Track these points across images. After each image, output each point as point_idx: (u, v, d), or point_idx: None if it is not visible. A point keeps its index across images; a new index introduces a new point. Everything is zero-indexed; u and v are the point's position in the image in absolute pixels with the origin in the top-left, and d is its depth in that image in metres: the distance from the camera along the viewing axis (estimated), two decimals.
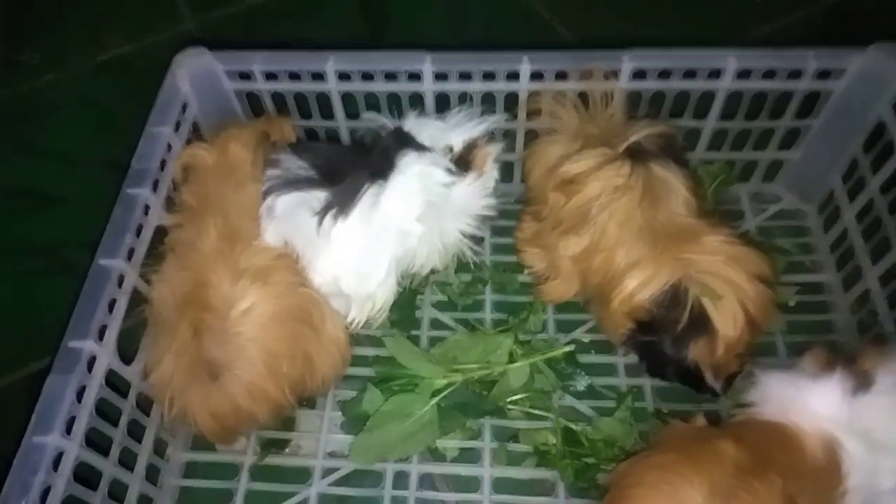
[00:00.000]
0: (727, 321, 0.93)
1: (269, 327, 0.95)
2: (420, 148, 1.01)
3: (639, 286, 0.95)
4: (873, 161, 1.08)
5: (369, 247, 1.00)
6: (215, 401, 0.94)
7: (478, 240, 1.11)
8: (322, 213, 0.98)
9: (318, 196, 1.00)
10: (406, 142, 1.02)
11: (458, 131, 1.05)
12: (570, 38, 1.57)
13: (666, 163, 1.00)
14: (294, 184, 1.01)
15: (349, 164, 1.03)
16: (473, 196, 1.06)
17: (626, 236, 0.97)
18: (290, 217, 1.00)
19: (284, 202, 1.00)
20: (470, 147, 1.05)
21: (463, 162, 1.04)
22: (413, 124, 1.04)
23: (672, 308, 0.94)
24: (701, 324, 0.94)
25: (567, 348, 1.10)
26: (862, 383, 0.80)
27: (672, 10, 1.59)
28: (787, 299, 1.14)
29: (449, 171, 1.01)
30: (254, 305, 0.94)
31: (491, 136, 1.08)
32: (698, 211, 1.00)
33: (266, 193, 1.01)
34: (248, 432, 1.06)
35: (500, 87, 1.12)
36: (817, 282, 1.18)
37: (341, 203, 0.99)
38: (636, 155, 0.99)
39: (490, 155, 1.07)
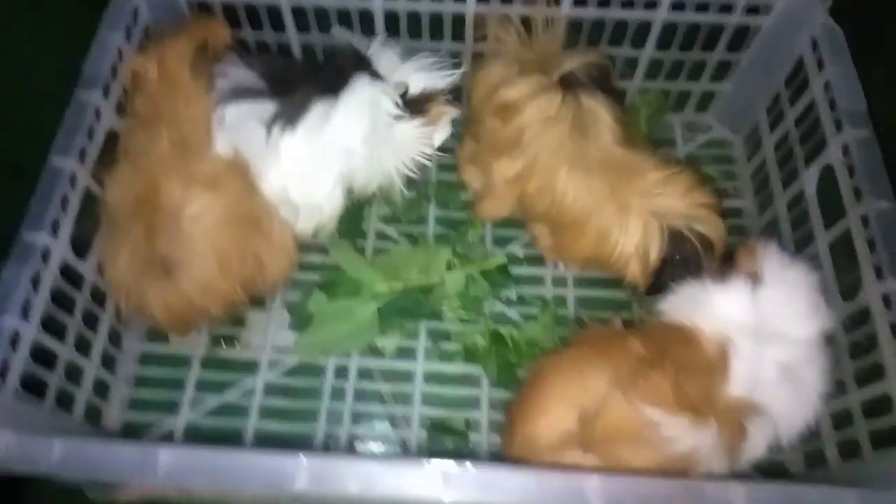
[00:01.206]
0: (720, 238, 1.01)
1: (219, 229, 1.01)
2: (375, 74, 1.05)
3: (638, 247, 0.99)
4: (792, 94, 1.15)
5: (316, 160, 1.05)
6: (170, 295, 1.00)
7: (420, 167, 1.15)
8: (270, 125, 1.03)
9: (268, 107, 1.04)
10: (362, 65, 1.05)
11: (421, 75, 1.07)
12: None
13: (594, 93, 1.04)
14: (243, 94, 1.05)
15: (299, 77, 1.07)
16: (414, 140, 1.09)
17: (558, 166, 1.02)
18: (240, 127, 1.04)
19: (234, 112, 1.04)
20: (427, 96, 1.07)
21: (415, 106, 1.06)
22: (375, 50, 1.07)
23: (679, 247, 0.99)
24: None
25: (500, 260, 1.19)
26: (753, 280, 0.90)
27: None
28: None
29: (396, 105, 1.04)
30: (205, 209, 1.00)
31: (453, 97, 1.10)
32: (625, 142, 1.04)
33: (216, 104, 1.05)
34: (201, 326, 1.13)
35: (448, 7, 1.15)
36: (737, 207, 1.28)
37: (290, 115, 1.03)
38: (568, 85, 1.04)
39: (446, 115, 1.10)
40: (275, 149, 1.04)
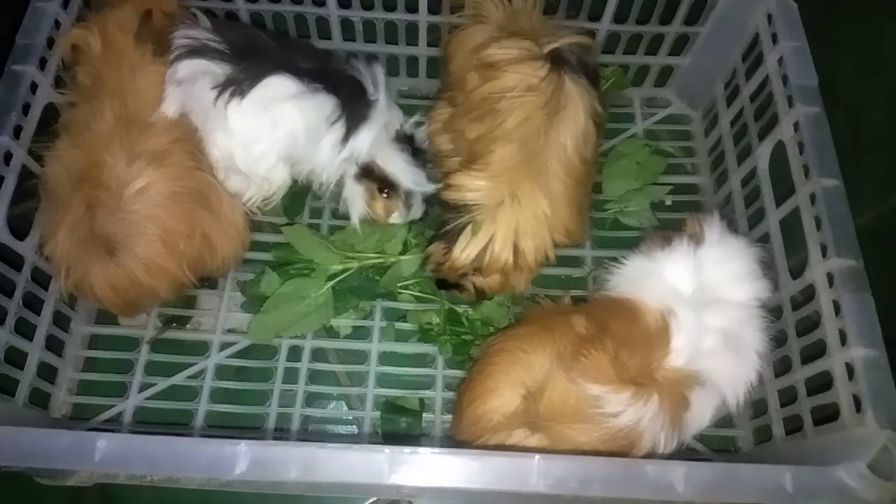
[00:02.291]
0: None
1: (164, 206, 0.98)
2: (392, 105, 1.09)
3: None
4: (748, 69, 1.14)
5: (258, 132, 1.02)
6: (113, 275, 0.98)
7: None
8: (222, 88, 1.00)
9: (224, 69, 1.01)
10: (353, 88, 1.06)
11: (404, 168, 1.09)
12: None
13: (578, 78, 1.01)
14: (201, 52, 1.02)
15: (262, 48, 1.04)
16: (349, 192, 1.11)
17: (518, 136, 1.01)
18: (191, 84, 1.01)
19: (187, 68, 1.01)
20: (391, 183, 1.09)
21: (372, 177, 1.09)
22: (378, 88, 1.08)
23: None
24: None
25: None
26: (696, 241, 0.91)
27: None
28: (662, 198, 1.24)
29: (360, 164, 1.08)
30: (149, 185, 0.97)
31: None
32: (583, 150, 1.01)
33: (171, 60, 1.01)
34: (149, 307, 1.11)
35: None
36: (693, 183, 1.28)
37: (241, 83, 1.01)
38: (556, 60, 1.00)
39: (391, 213, 1.13)
40: (222, 113, 1.01)
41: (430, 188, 1.10)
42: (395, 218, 1.13)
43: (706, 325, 0.87)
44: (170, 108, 1.01)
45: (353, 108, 1.05)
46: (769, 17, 1.07)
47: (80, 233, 0.96)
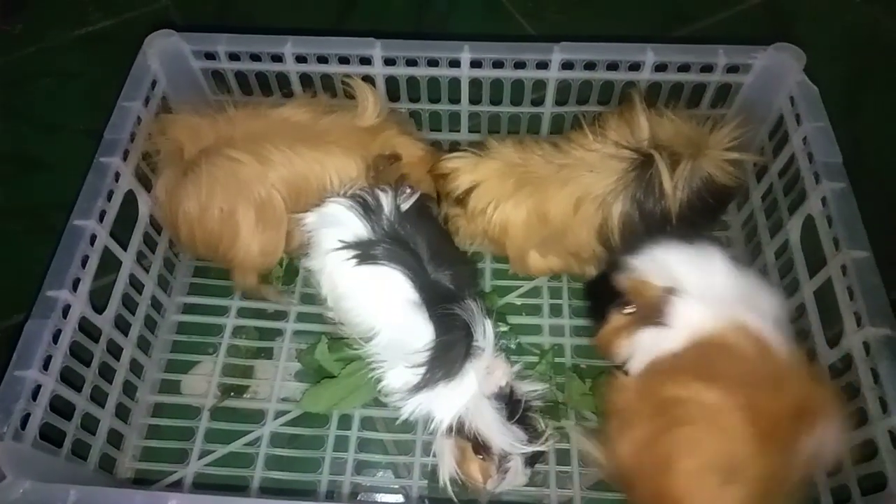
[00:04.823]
0: None
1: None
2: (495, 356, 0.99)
3: None
4: (775, 147, 1.20)
5: (353, 292, 1.03)
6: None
7: None
8: (348, 246, 1.01)
9: (358, 230, 1.01)
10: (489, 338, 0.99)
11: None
12: (533, 32, 1.68)
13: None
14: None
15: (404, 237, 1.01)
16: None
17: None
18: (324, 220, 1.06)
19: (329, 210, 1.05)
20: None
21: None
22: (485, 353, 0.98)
23: None
24: None
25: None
26: None
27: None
28: None
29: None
30: None
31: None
32: None
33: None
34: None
35: (444, 72, 1.23)
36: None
37: (369, 250, 1.00)
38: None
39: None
40: (335, 259, 1.02)
41: (532, 449, 0.96)
42: (490, 484, 0.98)
43: None
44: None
45: (447, 355, 0.95)
46: (791, 99, 1.14)
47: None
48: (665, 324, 0.93)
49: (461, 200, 1.15)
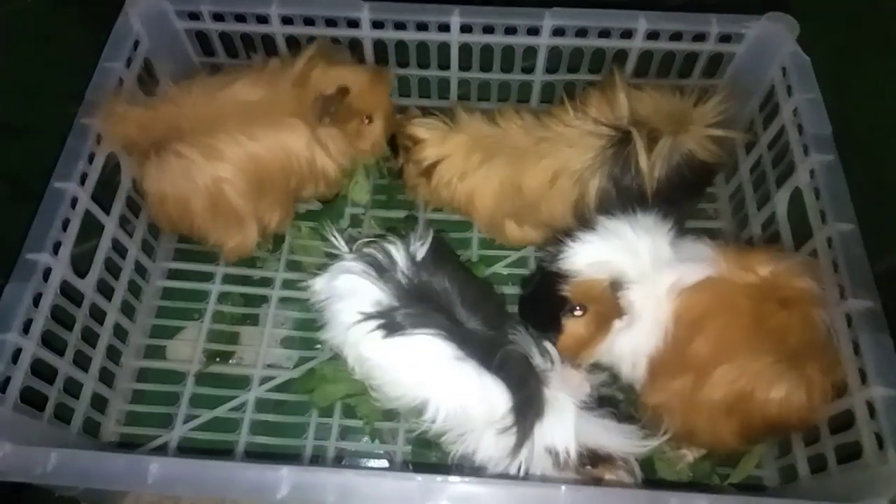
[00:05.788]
0: None
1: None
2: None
3: None
4: (765, 119, 1.19)
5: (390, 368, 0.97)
6: None
7: None
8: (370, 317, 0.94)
9: (376, 296, 0.95)
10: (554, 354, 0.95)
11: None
12: None
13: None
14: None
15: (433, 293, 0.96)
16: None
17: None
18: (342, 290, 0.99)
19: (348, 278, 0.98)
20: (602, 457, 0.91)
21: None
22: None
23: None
24: None
25: None
26: None
27: None
28: None
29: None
30: None
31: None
32: None
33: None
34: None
35: (434, 37, 1.21)
36: (716, 228, 1.31)
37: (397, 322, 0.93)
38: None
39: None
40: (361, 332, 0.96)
41: (648, 444, 0.92)
42: None
43: None
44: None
45: (526, 398, 0.90)
46: (784, 70, 1.13)
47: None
48: (626, 313, 0.93)
49: (427, 172, 1.14)
